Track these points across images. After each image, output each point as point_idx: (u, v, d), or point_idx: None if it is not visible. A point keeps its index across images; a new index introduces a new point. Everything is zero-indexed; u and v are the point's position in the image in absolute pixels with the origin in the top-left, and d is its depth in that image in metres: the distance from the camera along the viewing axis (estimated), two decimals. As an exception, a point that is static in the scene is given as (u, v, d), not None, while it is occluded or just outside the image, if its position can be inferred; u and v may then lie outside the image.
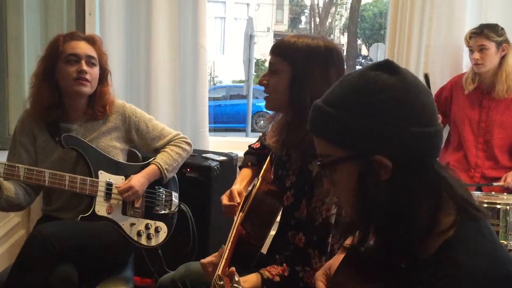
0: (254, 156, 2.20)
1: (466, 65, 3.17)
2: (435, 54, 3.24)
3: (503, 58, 2.94)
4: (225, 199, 2.01)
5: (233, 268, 1.62)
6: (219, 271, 1.61)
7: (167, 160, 2.37)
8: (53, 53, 2.20)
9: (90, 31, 3.17)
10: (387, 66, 1.09)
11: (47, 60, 2.22)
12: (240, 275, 1.68)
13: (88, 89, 2.23)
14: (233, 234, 1.81)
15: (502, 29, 2.94)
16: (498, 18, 3.10)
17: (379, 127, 1.03)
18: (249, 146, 2.28)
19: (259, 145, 2.23)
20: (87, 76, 2.20)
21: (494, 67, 2.94)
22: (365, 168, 1.06)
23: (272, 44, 1.93)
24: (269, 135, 1.95)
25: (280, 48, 1.79)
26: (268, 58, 1.88)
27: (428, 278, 1.03)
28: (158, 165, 2.34)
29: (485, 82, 3.00)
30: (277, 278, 1.73)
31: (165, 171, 2.35)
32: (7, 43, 3.25)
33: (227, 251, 1.73)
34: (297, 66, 1.75)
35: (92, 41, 2.28)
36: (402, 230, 1.07)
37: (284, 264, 1.75)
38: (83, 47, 2.22)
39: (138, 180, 2.27)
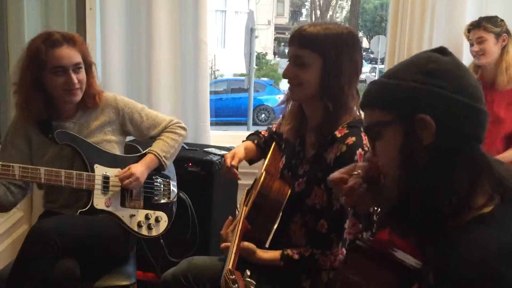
0: (262, 140, 2.22)
1: (465, 59, 3.16)
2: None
3: (503, 49, 2.94)
4: (229, 160, 2.06)
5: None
6: (229, 265, 1.61)
7: (163, 148, 2.36)
8: (37, 62, 2.13)
9: (90, 26, 3.16)
10: (441, 49, 1.18)
11: (31, 70, 2.15)
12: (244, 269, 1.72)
13: (78, 96, 2.22)
14: (239, 229, 1.81)
15: (502, 20, 2.94)
16: (499, 10, 3.10)
17: (427, 89, 1.10)
18: (257, 131, 2.29)
19: (267, 133, 2.25)
20: (76, 86, 2.18)
21: (495, 58, 2.95)
22: (408, 130, 1.11)
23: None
24: (284, 123, 1.98)
25: (307, 40, 1.76)
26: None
27: (449, 243, 1.05)
28: (155, 153, 2.34)
29: (487, 75, 3.00)
30: (296, 256, 1.78)
31: (163, 158, 2.35)
32: (7, 39, 3.24)
33: (235, 245, 1.73)
34: (328, 57, 1.75)
35: (72, 42, 2.19)
36: (437, 199, 1.09)
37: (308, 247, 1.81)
38: (67, 56, 2.15)
39: (138, 169, 2.27)
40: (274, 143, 2.16)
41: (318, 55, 1.75)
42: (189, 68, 3.33)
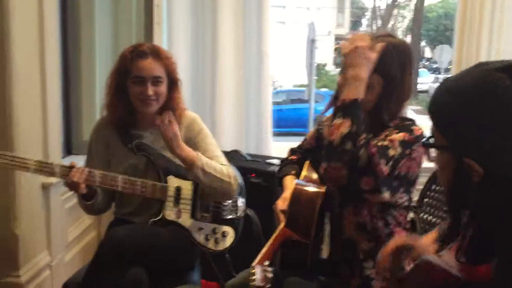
0: (297, 166, 2.22)
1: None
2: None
3: None
4: (279, 207, 2.05)
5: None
6: (254, 263, 1.71)
7: (208, 162, 2.21)
8: (122, 70, 2.23)
9: (157, 40, 3.27)
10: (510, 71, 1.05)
11: (117, 75, 2.25)
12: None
13: (153, 108, 2.25)
14: (275, 234, 1.89)
15: None
16: None
17: (482, 134, 1.03)
18: (287, 159, 2.28)
19: (298, 156, 2.25)
20: (152, 98, 2.22)
21: None
22: (458, 165, 1.08)
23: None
24: (326, 125, 1.98)
25: None
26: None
27: None
28: (198, 155, 2.19)
29: None
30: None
31: (201, 161, 2.17)
32: (80, 51, 3.40)
33: (265, 247, 1.83)
34: (394, 78, 1.72)
35: (157, 55, 2.24)
36: (486, 232, 1.09)
37: None
38: (149, 68, 2.20)
39: (180, 142, 2.16)
40: (308, 162, 2.17)
41: (381, 75, 1.71)
42: (252, 80, 3.38)
